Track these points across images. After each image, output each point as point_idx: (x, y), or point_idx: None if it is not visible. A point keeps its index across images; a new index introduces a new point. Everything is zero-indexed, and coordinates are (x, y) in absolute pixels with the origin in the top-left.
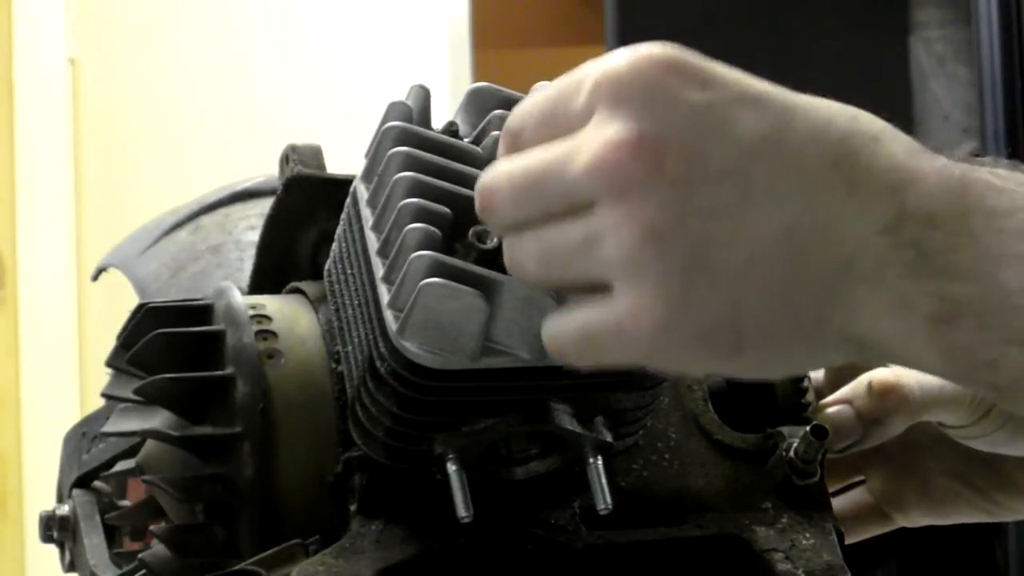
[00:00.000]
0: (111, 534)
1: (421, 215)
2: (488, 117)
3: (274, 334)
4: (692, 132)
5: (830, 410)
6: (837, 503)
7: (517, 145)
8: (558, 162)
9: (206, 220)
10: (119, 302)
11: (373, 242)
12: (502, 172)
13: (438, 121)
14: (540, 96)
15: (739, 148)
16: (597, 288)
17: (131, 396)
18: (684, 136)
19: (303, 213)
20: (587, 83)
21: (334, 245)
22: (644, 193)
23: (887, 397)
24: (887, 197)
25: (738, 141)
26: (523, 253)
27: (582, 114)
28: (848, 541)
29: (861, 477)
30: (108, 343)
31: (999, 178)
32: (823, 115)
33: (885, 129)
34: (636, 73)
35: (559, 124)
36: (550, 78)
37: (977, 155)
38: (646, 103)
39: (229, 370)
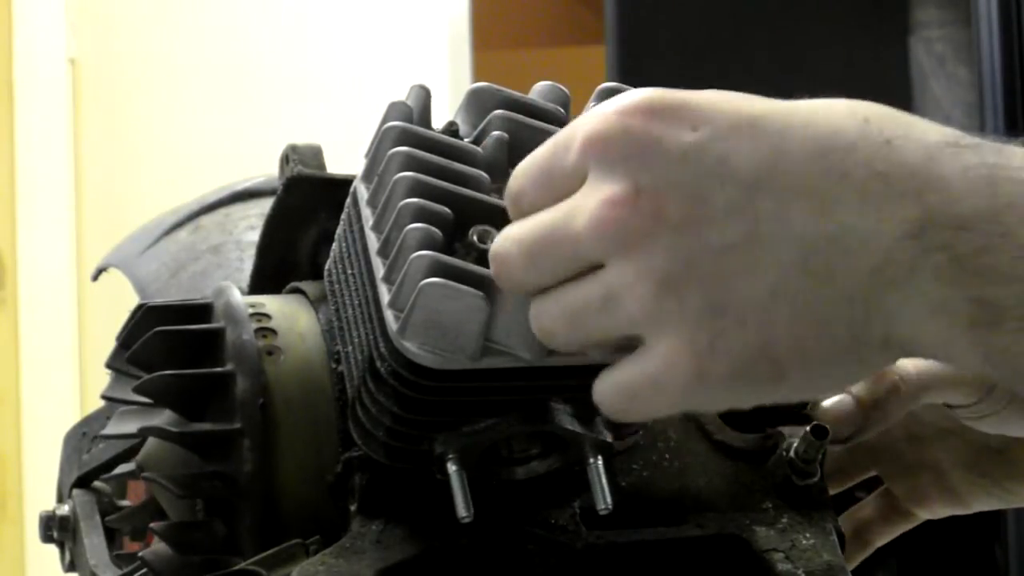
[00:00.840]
0: (111, 535)
1: (421, 215)
2: (488, 117)
3: (273, 331)
4: (688, 176)
5: (829, 401)
6: (861, 510)
7: (520, 208)
8: (560, 226)
9: (206, 220)
10: (119, 302)
11: (373, 242)
12: (511, 239)
13: (438, 121)
14: (534, 157)
15: (739, 184)
16: (631, 343)
17: (131, 398)
18: (681, 182)
19: (303, 213)
20: (576, 142)
21: (334, 245)
22: (649, 244)
23: (882, 380)
24: (908, 202)
25: (736, 177)
26: (549, 319)
27: (575, 173)
28: (879, 544)
29: (869, 474)
30: (108, 343)
31: None
32: (827, 127)
33: (899, 128)
34: (622, 129)
35: (556, 185)
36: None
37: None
38: (637, 157)
39: (229, 366)
